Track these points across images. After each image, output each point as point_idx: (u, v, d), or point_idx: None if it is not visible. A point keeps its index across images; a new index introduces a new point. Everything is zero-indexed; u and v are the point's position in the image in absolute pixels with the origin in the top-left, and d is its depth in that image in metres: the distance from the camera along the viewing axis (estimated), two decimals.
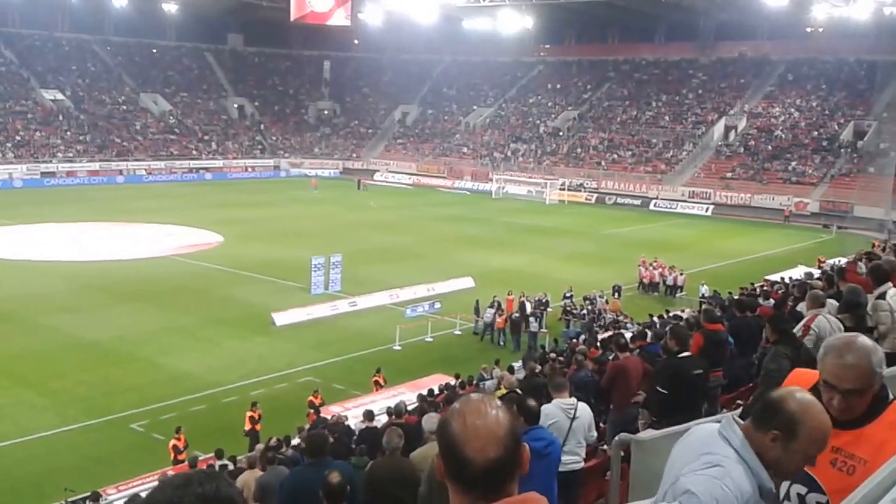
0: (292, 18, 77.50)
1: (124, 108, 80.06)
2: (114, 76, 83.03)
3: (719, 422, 2.65)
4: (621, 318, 28.12)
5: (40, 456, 18.25)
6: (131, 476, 16.26)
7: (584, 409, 7.63)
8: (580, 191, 68.84)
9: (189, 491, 1.73)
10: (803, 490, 2.97)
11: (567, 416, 7.46)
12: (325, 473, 6.07)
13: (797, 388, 2.62)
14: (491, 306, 28.20)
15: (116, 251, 39.83)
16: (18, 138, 69.58)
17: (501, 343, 27.89)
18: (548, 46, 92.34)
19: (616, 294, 31.99)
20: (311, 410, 19.21)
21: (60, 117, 74.33)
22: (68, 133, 73.03)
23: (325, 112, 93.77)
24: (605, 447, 7.64)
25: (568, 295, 30.88)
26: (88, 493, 14.06)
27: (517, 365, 20.89)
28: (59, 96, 76.22)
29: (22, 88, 75.57)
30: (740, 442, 2.48)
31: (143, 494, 12.73)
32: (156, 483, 13.74)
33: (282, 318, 28.63)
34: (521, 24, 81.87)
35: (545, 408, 7.37)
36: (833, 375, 2.94)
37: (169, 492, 1.74)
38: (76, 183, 66.73)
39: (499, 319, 28.11)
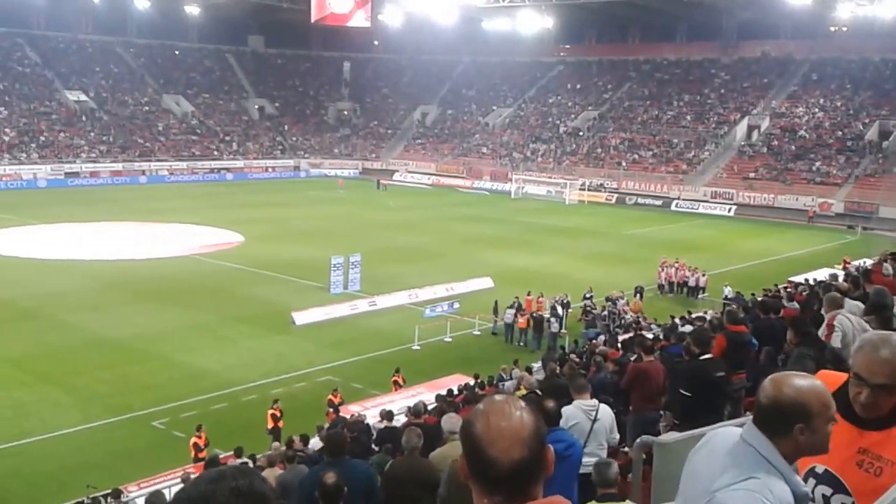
0: (313, 20, 77.84)
1: (147, 109, 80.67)
2: (136, 77, 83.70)
3: (737, 426, 2.58)
4: (641, 319, 27.89)
5: (63, 453, 18.37)
6: (152, 473, 16.32)
7: (605, 411, 7.57)
8: (600, 191, 68.50)
9: (223, 485, 1.74)
10: (829, 491, 2.89)
11: (588, 417, 7.40)
12: (321, 475, 6.01)
13: (775, 378, 2.51)
14: (511, 307, 28.09)
15: (138, 250, 40.10)
16: (43, 139, 70.28)
17: (522, 343, 27.76)
18: (568, 46, 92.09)
19: (638, 295, 31.76)
20: (331, 409, 19.22)
21: (84, 118, 75.02)
22: (92, 134, 73.68)
23: (345, 113, 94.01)
24: (627, 449, 7.54)
25: (588, 295, 30.70)
26: (110, 490, 14.12)
27: (536, 366, 20.91)
28: (83, 97, 76.93)
29: (46, 90, 76.36)
30: (769, 448, 2.40)
31: (165, 492, 12.81)
32: (177, 481, 14.18)
33: (301, 318, 28.69)
34: (540, 24, 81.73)
35: (566, 409, 7.35)
36: (865, 369, 2.86)
37: (203, 486, 1.75)
38: (99, 183, 67.30)
39: (520, 319, 28.02)
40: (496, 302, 29.28)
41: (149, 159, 73.48)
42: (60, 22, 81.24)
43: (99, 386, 22.28)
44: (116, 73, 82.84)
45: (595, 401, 7.66)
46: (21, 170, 65.42)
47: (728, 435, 2.54)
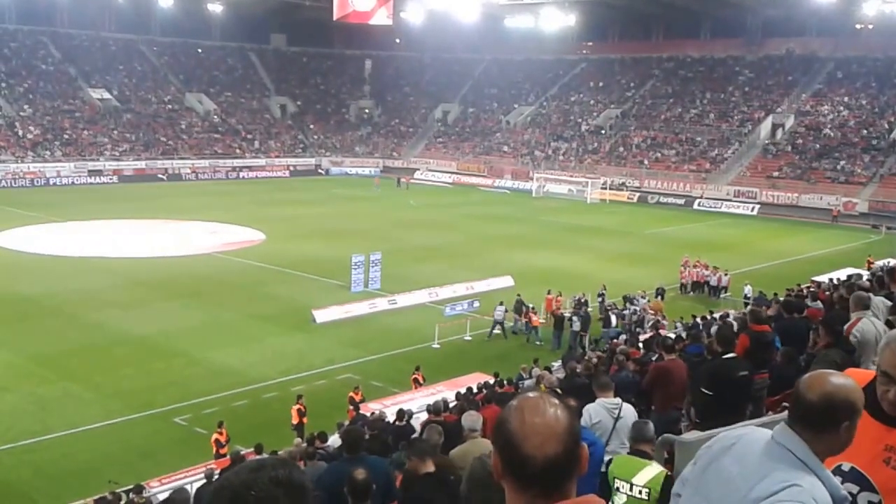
0: (335, 18, 77.97)
1: (170, 107, 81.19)
2: (159, 76, 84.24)
3: (760, 426, 2.57)
4: (661, 319, 27.79)
5: (85, 448, 18.47)
6: (174, 469, 16.38)
7: (628, 410, 7.52)
8: (622, 190, 68.19)
9: (263, 474, 1.78)
10: (855, 489, 2.86)
11: (611, 415, 7.36)
12: (351, 471, 6.02)
13: (820, 376, 2.50)
14: (500, 304, 28.13)
15: (161, 248, 40.29)
16: (66, 137, 70.90)
17: (539, 342, 27.63)
18: (590, 44, 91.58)
19: (659, 296, 31.52)
20: (351, 407, 19.24)
21: (107, 116, 75.59)
22: (115, 132, 74.23)
23: (367, 111, 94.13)
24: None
25: (601, 293, 30.64)
26: (132, 486, 14.20)
27: (556, 365, 20.89)
28: (106, 95, 77.49)
29: (70, 88, 77.01)
30: (804, 450, 2.38)
31: (188, 487, 12.86)
32: (199, 477, 14.21)
33: (322, 316, 28.73)
34: (563, 22, 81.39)
35: (589, 407, 7.36)
36: (892, 365, 2.84)
37: (244, 475, 1.79)
38: (122, 181, 67.73)
39: (534, 318, 27.96)
40: (517, 300, 29.16)
41: (171, 157, 73.92)
42: (84, 20, 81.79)
43: (122, 382, 22.40)
44: (139, 72, 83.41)
45: (618, 399, 7.61)
46: (45, 168, 65.97)
47: (758, 436, 2.50)
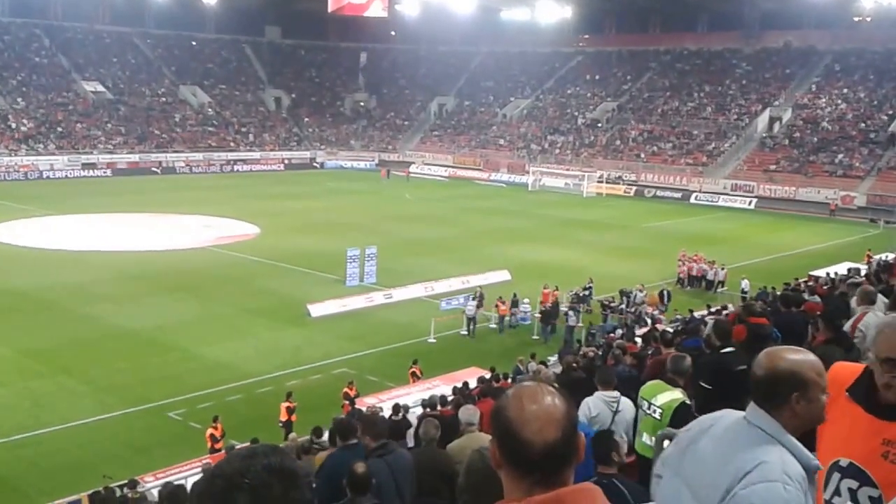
0: (330, 10, 77.75)
1: (163, 100, 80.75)
2: (153, 68, 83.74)
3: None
4: (657, 312, 27.83)
5: (79, 443, 18.41)
6: (169, 464, 16.28)
7: (626, 404, 7.55)
8: (618, 183, 68.04)
9: (255, 462, 1.79)
10: (855, 484, 2.87)
11: (610, 409, 7.39)
12: (351, 463, 6.04)
13: (769, 351, 2.60)
14: (474, 298, 28.11)
15: (155, 242, 40.07)
16: (60, 129, 70.47)
17: (535, 336, 27.64)
18: (587, 36, 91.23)
19: (665, 295, 30.98)
20: (346, 402, 19.18)
21: (101, 109, 75.16)
22: (109, 125, 73.79)
23: (362, 104, 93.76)
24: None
25: (587, 286, 30.52)
26: (126, 481, 14.13)
27: (552, 359, 20.89)
28: (100, 88, 77.02)
29: (63, 80, 76.48)
30: (774, 426, 2.44)
31: (178, 483, 12.72)
32: (195, 472, 14.13)
33: (317, 310, 28.68)
34: (559, 14, 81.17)
35: (588, 401, 7.39)
36: (893, 348, 2.81)
37: (236, 463, 1.80)
38: (116, 174, 67.29)
39: (502, 307, 28.17)
40: (515, 294, 29.16)
41: (165, 151, 73.53)
42: (77, 12, 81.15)
43: (116, 377, 22.31)
44: (133, 64, 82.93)
45: (617, 392, 7.62)
46: (38, 161, 65.48)
47: (731, 418, 2.57)
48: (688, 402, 6.17)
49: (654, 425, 6.47)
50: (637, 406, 6.69)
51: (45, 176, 63.96)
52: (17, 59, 75.83)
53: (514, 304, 28.93)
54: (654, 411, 6.42)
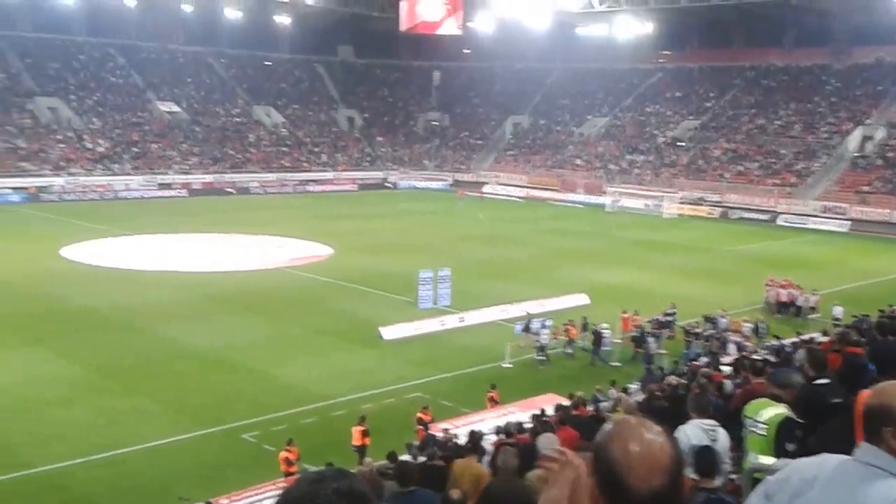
0: (402, 29, 77.28)
1: (237, 120, 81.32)
2: (228, 89, 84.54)
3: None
4: (744, 340, 26.67)
5: (154, 463, 18.35)
6: (242, 487, 16.22)
7: (723, 434, 6.94)
8: (700, 204, 65.53)
9: (325, 486, 1.79)
10: None
11: (709, 437, 6.81)
12: (446, 493, 6.43)
13: (880, 386, 2.51)
14: (544, 327, 27.11)
15: (229, 262, 40.24)
16: (136, 150, 71.29)
17: (595, 364, 26.65)
18: (667, 52, 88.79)
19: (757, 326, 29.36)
20: (420, 427, 18.84)
21: (176, 129, 75.94)
22: (183, 145, 74.49)
23: (435, 123, 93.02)
24: (734, 476, 6.94)
25: (670, 312, 29.55)
26: (202, 503, 14.23)
27: (633, 387, 20.59)
28: (175, 108, 77.91)
29: (138, 100, 77.59)
30: (888, 461, 2.28)
31: None
32: (269, 496, 13.48)
33: (389, 333, 28.22)
34: (638, 30, 79.16)
35: (685, 429, 6.96)
36: None
37: (305, 487, 1.80)
38: (191, 194, 67.79)
39: (573, 331, 27.39)
40: (584, 318, 28.50)
41: (239, 171, 73.84)
42: (152, 32, 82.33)
43: (189, 397, 22.35)
44: (208, 84, 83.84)
45: (714, 420, 7.15)
46: (114, 181, 66.25)
47: (835, 462, 2.38)
48: (792, 416, 6.10)
49: (760, 442, 6.42)
50: (742, 425, 6.67)
51: (120, 196, 64.56)
52: (92, 78, 77.23)
53: (584, 327, 28.04)
54: (760, 428, 6.37)
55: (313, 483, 1.79)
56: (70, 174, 64.97)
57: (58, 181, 63.75)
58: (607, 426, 1.99)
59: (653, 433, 1.93)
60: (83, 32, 79.58)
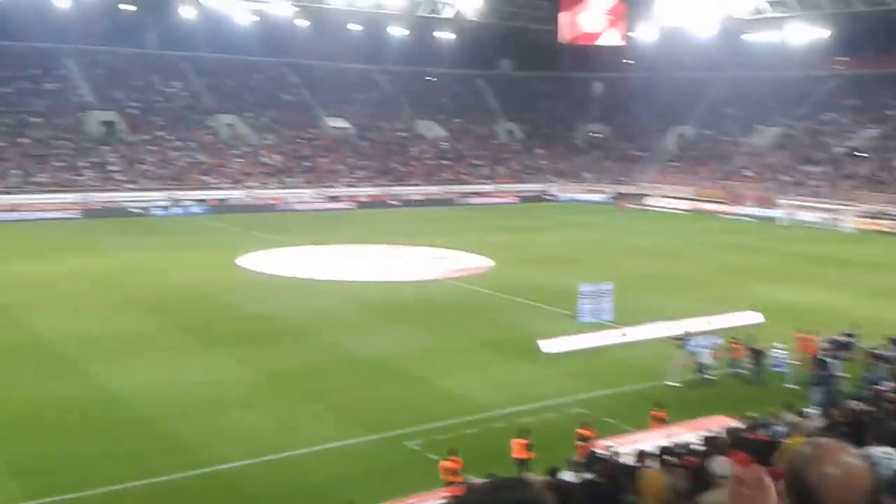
0: (563, 41, 76.98)
1: (401, 134, 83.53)
2: (392, 104, 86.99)
3: None
4: None
5: (322, 467, 18.66)
6: (405, 494, 16.27)
7: None
8: (882, 218, 61.40)
9: (503, 495, 1.77)
10: None
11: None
12: None
13: None
14: (705, 346, 25.75)
15: (392, 273, 41.30)
16: (307, 164, 74.67)
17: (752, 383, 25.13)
18: (844, 59, 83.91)
19: None
20: (580, 442, 18.29)
21: (344, 144, 78.94)
22: (351, 159, 77.31)
23: (596, 135, 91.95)
24: None
25: (851, 332, 27.20)
26: None
27: (811, 411, 18.46)
28: (343, 124, 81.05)
29: (309, 117, 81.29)
30: None
31: None
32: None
33: (548, 346, 27.70)
34: (812, 36, 75.27)
35: (876, 453, 6.14)
36: None
37: (482, 496, 1.79)
38: (359, 207, 70.20)
39: (738, 349, 25.81)
40: (752, 337, 26.66)
41: (404, 184, 75.82)
42: (322, 50, 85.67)
43: (354, 403, 22.69)
44: (373, 100, 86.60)
45: (893, 450, 6.27)
46: (287, 194, 69.68)
47: None
48: None
49: None
50: None
51: (294, 208, 67.74)
52: (266, 96, 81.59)
53: (753, 349, 26.20)
54: None
55: (490, 492, 1.77)
56: (247, 187, 68.91)
57: (236, 193, 67.84)
58: (804, 448, 1.97)
59: (851, 457, 1.91)
60: (258, 52, 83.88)
